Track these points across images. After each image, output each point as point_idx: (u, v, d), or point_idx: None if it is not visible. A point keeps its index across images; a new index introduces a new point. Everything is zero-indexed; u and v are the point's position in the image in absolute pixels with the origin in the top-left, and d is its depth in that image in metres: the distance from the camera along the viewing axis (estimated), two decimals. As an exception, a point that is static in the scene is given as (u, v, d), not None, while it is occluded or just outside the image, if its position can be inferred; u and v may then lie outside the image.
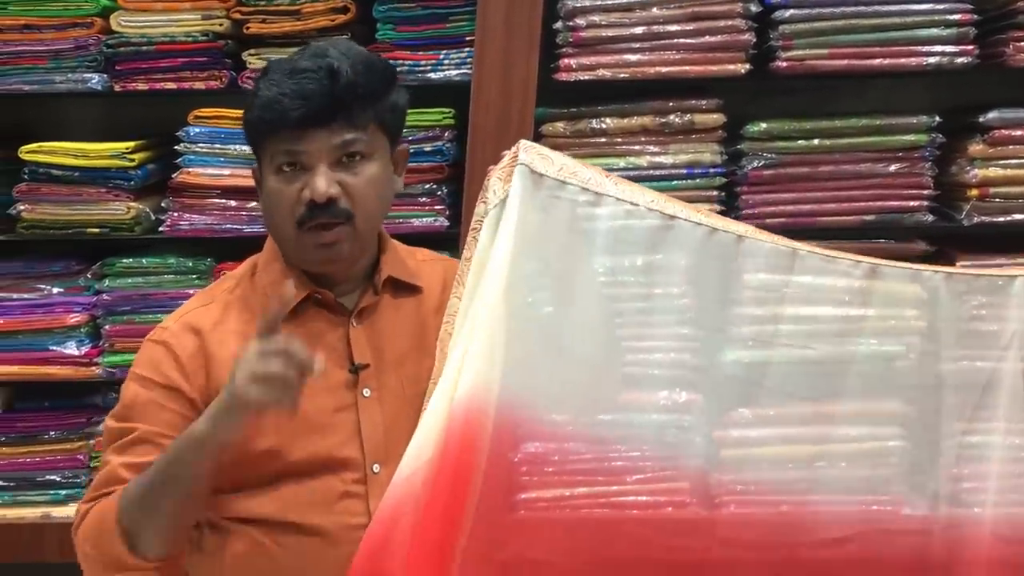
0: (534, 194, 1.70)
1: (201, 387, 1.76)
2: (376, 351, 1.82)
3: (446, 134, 2.74)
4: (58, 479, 2.86)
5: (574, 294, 1.73)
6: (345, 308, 1.83)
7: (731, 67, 2.65)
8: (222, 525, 1.79)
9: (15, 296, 2.83)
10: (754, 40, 2.65)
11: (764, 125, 2.68)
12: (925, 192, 2.67)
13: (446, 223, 2.75)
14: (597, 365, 1.74)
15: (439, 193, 2.75)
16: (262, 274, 1.85)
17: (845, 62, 2.63)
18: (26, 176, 2.78)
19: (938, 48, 2.60)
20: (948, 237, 2.74)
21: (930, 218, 2.67)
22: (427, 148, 2.72)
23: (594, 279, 1.74)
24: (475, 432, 1.61)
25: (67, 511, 2.82)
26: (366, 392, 1.79)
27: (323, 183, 1.70)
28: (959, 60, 2.60)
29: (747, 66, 2.65)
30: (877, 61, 2.63)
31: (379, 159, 1.77)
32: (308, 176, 1.71)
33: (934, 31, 2.60)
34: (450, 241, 2.53)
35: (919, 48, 2.61)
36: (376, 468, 1.75)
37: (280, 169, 1.73)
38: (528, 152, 1.73)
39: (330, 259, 1.78)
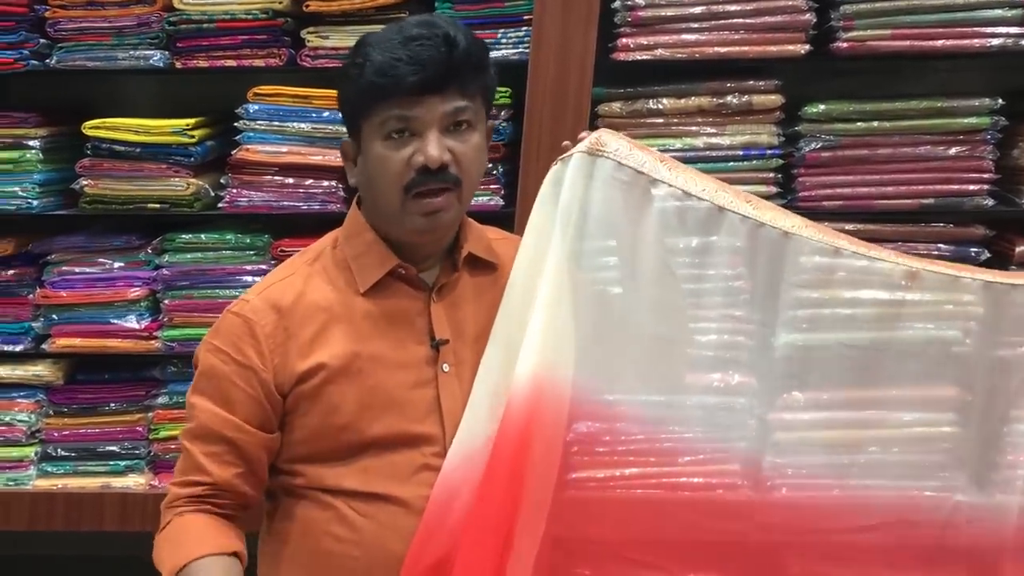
0: (592, 174, 1.71)
1: (276, 367, 1.78)
2: (455, 327, 1.83)
3: (502, 113, 2.74)
4: (118, 450, 2.89)
5: (628, 276, 1.74)
6: (425, 284, 1.84)
7: (791, 48, 2.63)
8: (303, 493, 1.82)
9: (77, 270, 2.87)
10: (814, 20, 2.62)
11: (823, 107, 2.65)
12: (986, 176, 2.63)
13: (501, 202, 2.75)
14: (650, 346, 1.75)
15: (495, 172, 2.75)
16: (346, 245, 1.85)
17: (907, 43, 2.60)
18: (89, 151, 2.82)
19: (1002, 30, 2.56)
20: (1009, 222, 2.70)
21: (990, 202, 2.64)
22: (483, 127, 2.73)
23: (648, 261, 1.74)
24: (538, 411, 1.62)
25: (126, 481, 2.87)
26: (445, 367, 1.81)
27: (436, 148, 1.71)
28: (1023, 42, 2.56)
29: (807, 47, 2.63)
30: (940, 42, 2.59)
31: (481, 130, 1.79)
32: (418, 142, 1.72)
33: (998, 12, 2.56)
34: (505, 220, 2.54)
35: (983, 29, 2.57)
36: None
37: (389, 135, 1.73)
38: (587, 138, 1.73)
39: (433, 226, 1.78)
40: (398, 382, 1.79)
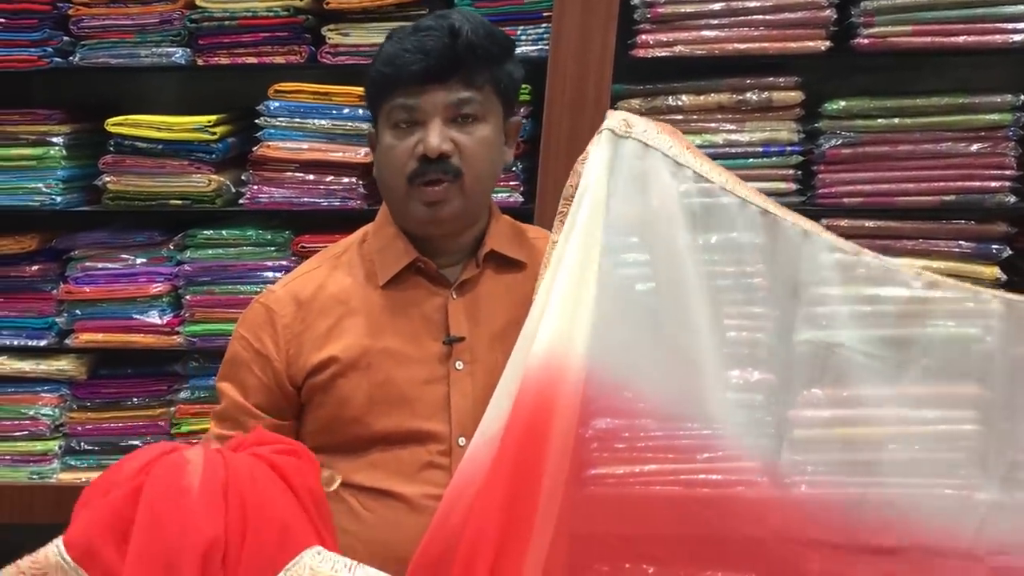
0: (617, 155, 1.70)
1: (290, 357, 1.81)
2: (473, 325, 1.83)
3: (522, 110, 2.75)
4: (140, 444, 2.88)
5: (651, 271, 1.73)
6: (447, 279, 1.85)
7: (811, 44, 2.63)
8: None
9: (100, 266, 2.90)
10: (835, 16, 2.62)
11: (843, 103, 2.65)
12: (1007, 172, 2.63)
13: (521, 199, 2.76)
14: (670, 343, 1.74)
15: (515, 169, 2.76)
16: (372, 239, 1.88)
17: (928, 39, 2.59)
18: (112, 148, 2.84)
19: (1024, 25, 2.56)
20: (1030, 219, 2.69)
21: (1012, 199, 2.63)
22: (503, 124, 2.73)
23: (671, 256, 1.73)
24: (551, 392, 1.61)
25: (148, 476, 2.89)
26: (459, 365, 1.81)
27: (436, 138, 1.72)
28: (1046, 38, 2.55)
29: (827, 43, 2.62)
30: (961, 39, 2.58)
31: (492, 123, 1.79)
32: (422, 131, 1.74)
33: (1020, 7, 2.56)
34: (525, 217, 2.53)
35: (1004, 25, 2.57)
36: (461, 441, 1.77)
37: (396, 125, 1.76)
38: (613, 117, 1.72)
39: (434, 217, 1.79)
40: (409, 377, 1.80)
